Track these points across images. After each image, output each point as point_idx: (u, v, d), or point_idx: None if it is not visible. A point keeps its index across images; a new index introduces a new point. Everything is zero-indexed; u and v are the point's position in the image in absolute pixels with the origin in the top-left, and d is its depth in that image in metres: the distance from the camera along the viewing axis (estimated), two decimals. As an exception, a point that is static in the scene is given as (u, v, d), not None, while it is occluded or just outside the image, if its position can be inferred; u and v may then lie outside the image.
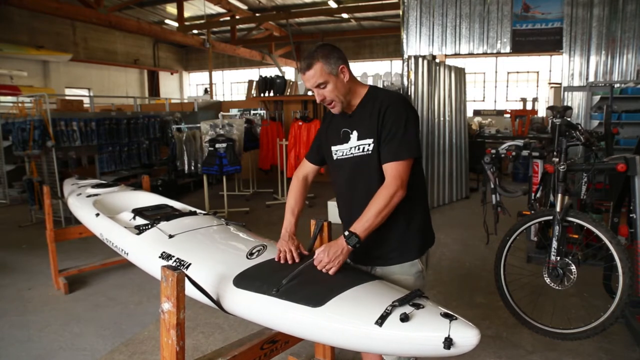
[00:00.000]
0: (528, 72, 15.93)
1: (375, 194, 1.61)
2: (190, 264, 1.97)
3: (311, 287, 1.53)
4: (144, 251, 2.37)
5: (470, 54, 6.52)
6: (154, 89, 18.60)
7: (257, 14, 14.54)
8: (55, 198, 5.01)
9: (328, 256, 1.58)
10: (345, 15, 14.40)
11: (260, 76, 8.88)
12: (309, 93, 7.06)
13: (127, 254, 2.53)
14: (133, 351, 2.87)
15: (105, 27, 11.73)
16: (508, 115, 11.16)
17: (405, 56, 6.40)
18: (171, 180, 7.96)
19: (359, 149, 1.70)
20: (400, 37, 6.57)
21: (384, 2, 11.85)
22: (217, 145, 6.27)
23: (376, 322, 1.32)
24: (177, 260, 2.04)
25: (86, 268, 4.14)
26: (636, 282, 2.51)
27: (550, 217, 2.69)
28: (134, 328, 3.17)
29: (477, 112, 12.45)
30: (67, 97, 8.12)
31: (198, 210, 2.85)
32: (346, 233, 1.60)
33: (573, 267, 2.57)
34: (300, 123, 7.06)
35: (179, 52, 20.03)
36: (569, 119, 3.02)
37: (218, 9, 14.23)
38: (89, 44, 15.30)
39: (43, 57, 13.33)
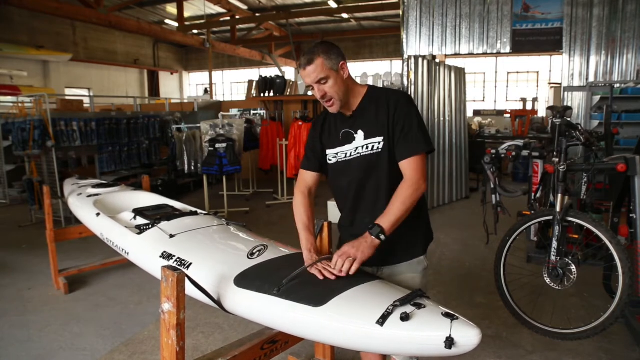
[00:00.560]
0: (528, 72, 15.93)
1: (398, 188, 1.59)
2: (191, 264, 1.97)
3: (312, 287, 1.53)
4: (145, 251, 2.37)
5: (470, 54, 6.51)
6: (154, 89, 18.60)
7: (257, 14, 14.55)
8: (55, 198, 5.02)
9: (354, 247, 1.53)
10: (345, 15, 14.40)
11: (260, 76, 8.88)
12: (309, 93, 7.04)
13: (128, 253, 2.53)
14: (133, 351, 2.87)
15: (105, 27, 11.72)
16: (508, 116, 11.18)
17: (405, 56, 6.40)
18: (171, 180, 7.96)
19: (367, 148, 1.68)
20: (400, 37, 6.57)
21: (384, 2, 11.85)
22: (217, 145, 6.28)
23: (377, 322, 1.32)
24: (178, 260, 2.04)
25: (86, 268, 4.14)
26: (636, 282, 2.52)
27: (550, 217, 2.69)
28: (134, 328, 3.18)
29: (477, 112, 12.47)
30: (67, 97, 8.12)
31: (199, 211, 2.85)
32: (370, 226, 1.55)
33: (573, 267, 2.57)
34: (300, 123, 7.05)
35: (179, 52, 20.03)
36: (569, 119, 3.03)
37: (218, 9, 14.24)
38: (89, 44, 15.30)
39: (43, 57, 13.33)
